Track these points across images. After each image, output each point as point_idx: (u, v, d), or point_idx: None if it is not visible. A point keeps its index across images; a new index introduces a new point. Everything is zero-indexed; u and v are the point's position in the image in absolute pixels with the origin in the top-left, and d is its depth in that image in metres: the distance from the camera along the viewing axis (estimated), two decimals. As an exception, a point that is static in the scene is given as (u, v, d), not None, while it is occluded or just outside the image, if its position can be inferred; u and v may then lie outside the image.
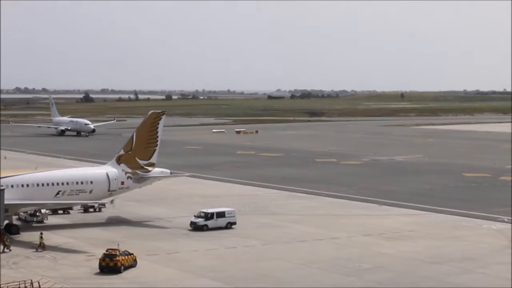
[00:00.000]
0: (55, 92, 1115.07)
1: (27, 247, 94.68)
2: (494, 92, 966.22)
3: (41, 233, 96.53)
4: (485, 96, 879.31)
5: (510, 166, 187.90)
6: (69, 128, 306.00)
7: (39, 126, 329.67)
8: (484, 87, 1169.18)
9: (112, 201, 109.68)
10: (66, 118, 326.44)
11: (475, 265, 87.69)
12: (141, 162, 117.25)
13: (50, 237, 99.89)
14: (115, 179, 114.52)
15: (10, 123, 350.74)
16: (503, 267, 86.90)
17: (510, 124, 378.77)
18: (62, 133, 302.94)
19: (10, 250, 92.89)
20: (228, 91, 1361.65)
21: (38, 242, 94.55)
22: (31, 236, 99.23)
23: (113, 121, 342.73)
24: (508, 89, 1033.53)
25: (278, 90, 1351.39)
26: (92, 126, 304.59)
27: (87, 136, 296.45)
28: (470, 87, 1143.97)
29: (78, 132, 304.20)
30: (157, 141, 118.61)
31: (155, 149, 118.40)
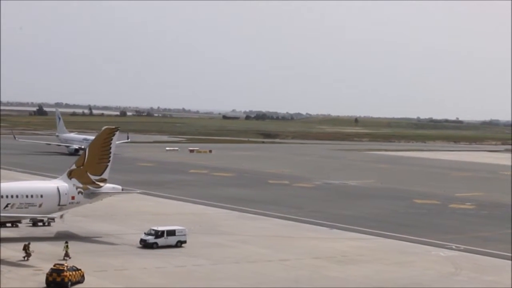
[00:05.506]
0: (8, 104, 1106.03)
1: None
2: (447, 121, 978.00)
3: (67, 242, 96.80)
4: (438, 124, 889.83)
5: (459, 194, 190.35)
6: (83, 147, 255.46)
7: (48, 144, 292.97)
8: (437, 115, 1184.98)
9: (61, 216, 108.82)
10: (77, 135, 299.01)
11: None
12: (93, 177, 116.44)
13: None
14: (66, 194, 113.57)
15: (16, 138, 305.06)
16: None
17: (461, 152, 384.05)
18: (75, 152, 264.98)
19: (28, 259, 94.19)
20: (183, 110, 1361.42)
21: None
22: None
23: (127, 140, 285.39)
24: (460, 118, 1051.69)
25: (233, 110, 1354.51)
26: None
27: None
28: (424, 115, 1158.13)
29: None
30: (109, 157, 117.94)
31: (108, 165, 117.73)
